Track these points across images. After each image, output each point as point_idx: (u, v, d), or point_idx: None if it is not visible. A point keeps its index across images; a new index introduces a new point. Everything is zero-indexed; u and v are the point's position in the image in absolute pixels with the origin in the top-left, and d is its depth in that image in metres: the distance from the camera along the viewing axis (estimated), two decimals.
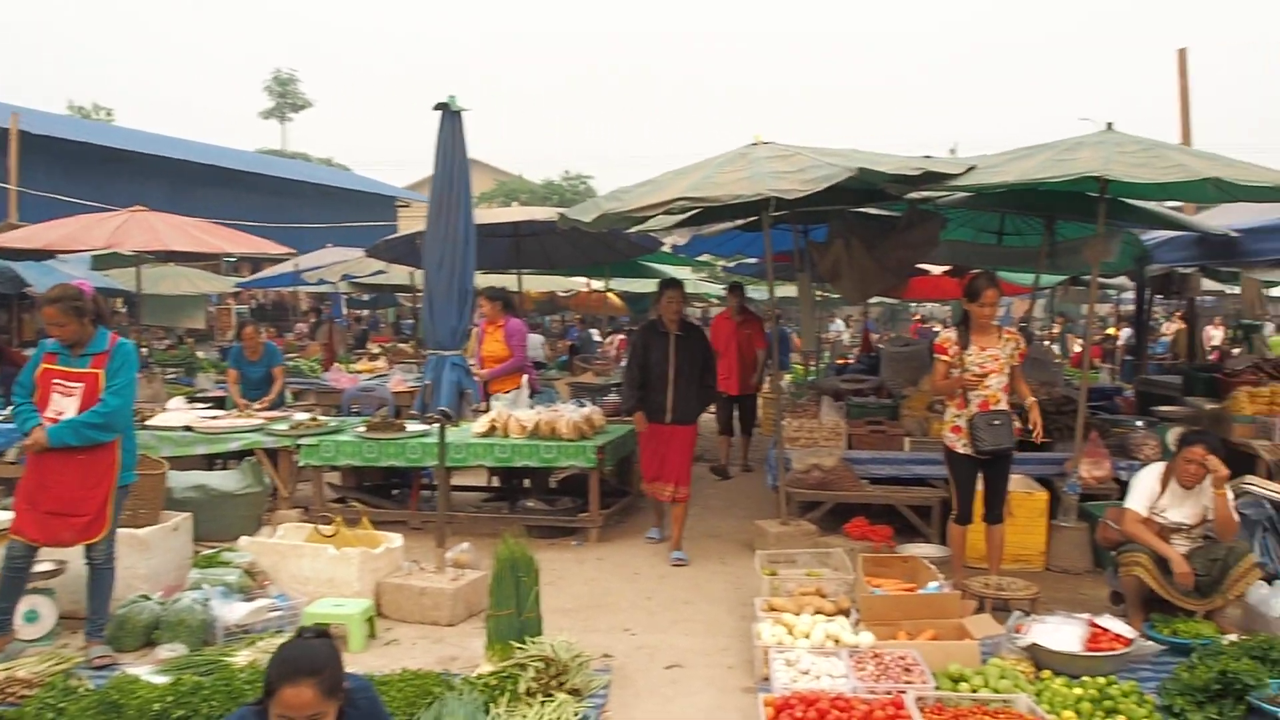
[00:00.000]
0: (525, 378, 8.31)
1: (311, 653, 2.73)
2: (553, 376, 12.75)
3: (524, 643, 4.56)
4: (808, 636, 4.79)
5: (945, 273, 12.66)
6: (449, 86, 9.73)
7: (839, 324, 25.80)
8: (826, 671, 4.40)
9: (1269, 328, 17.66)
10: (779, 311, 10.10)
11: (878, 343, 16.72)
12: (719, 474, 9.96)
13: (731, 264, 15.54)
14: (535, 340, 17.16)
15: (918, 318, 28.76)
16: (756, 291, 17.19)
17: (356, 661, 4.94)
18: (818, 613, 5.06)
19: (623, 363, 10.58)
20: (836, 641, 4.74)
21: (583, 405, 7.78)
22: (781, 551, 6.20)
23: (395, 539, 6.05)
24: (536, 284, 18.36)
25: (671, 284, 7.21)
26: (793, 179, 5.91)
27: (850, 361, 15.31)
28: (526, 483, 8.48)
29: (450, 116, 5.70)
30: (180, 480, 7.10)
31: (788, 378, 12.71)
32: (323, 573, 5.66)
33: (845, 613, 5.13)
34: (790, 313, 19.80)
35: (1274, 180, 6.26)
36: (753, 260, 13.12)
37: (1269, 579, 5.74)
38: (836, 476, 7.26)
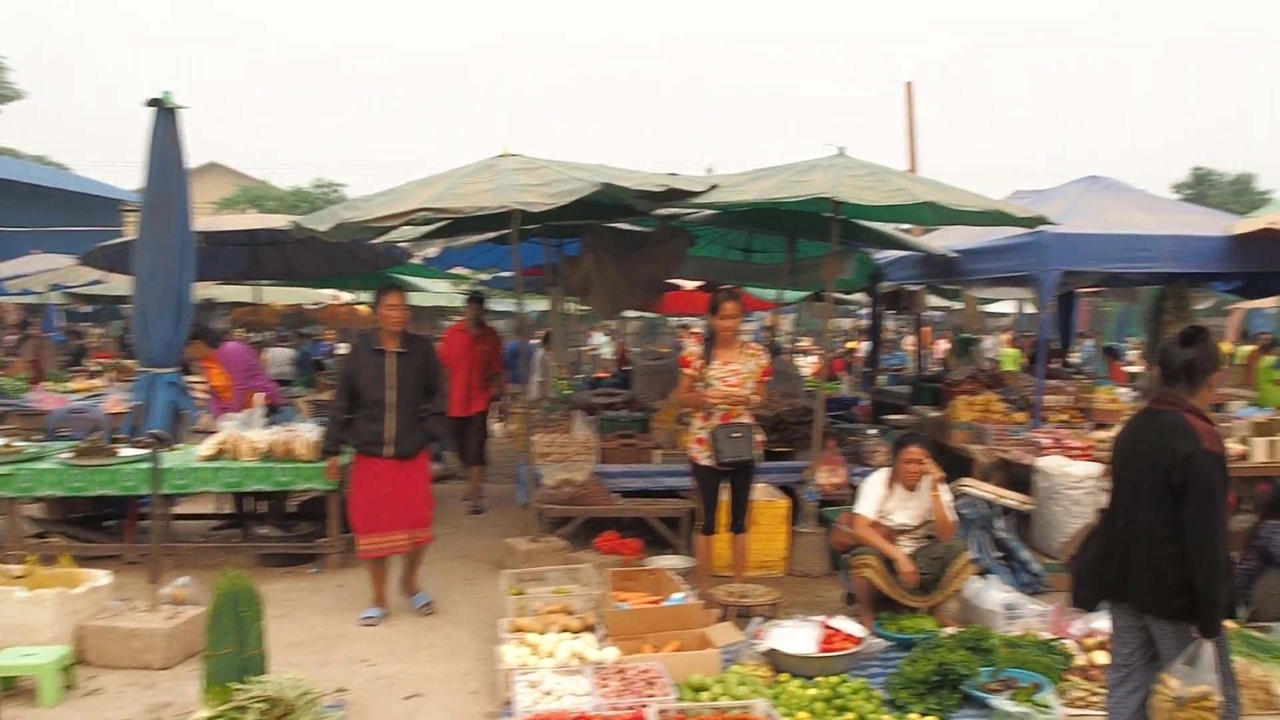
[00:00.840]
0: (260, 395, 7.82)
1: None
2: (295, 394, 12.12)
3: (245, 683, 4.26)
4: (552, 656, 4.75)
5: (699, 288, 13.08)
6: (177, 81, 8.99)
7: (600, 338, 26.12)
8: (570, 691, 4.37)
9: (988, 341, 19.35)
10: (530, 324, 9.93)
11: (638, 357, 17.05)
12: (476, 510, 9.27)
13: (488, 277, 15.40)
14: (284, 355, 16.30)
15: (696, 331, 29.50)
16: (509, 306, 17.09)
17: (49, 717, 4.46)
18: (564, 631, 5.04)
19: None
20: (581, 659, 4.72)
21: (324, 424, 7.41)
22: (531, 569, 6.13)
23: (101, 576, 5.51)
24: (281, 295, 17.46)
25: (390, 288, 6.17)
26: (538, 192, 5.89)
27: (609, 375, 15.51)
28: (264, 508, 7.99)
29: (164, 114, 5.29)
30: None
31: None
32: (10, 619, 5.05)
33: (591, 629, 5.13)
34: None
35: (982, 205, 6.86)
36: (509, 273, 13.05)
37: (983, 573, 6.27)
38: (588, 491, 7.30)
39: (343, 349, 18.34)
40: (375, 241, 9.07)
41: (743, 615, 5.75)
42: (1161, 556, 3.53)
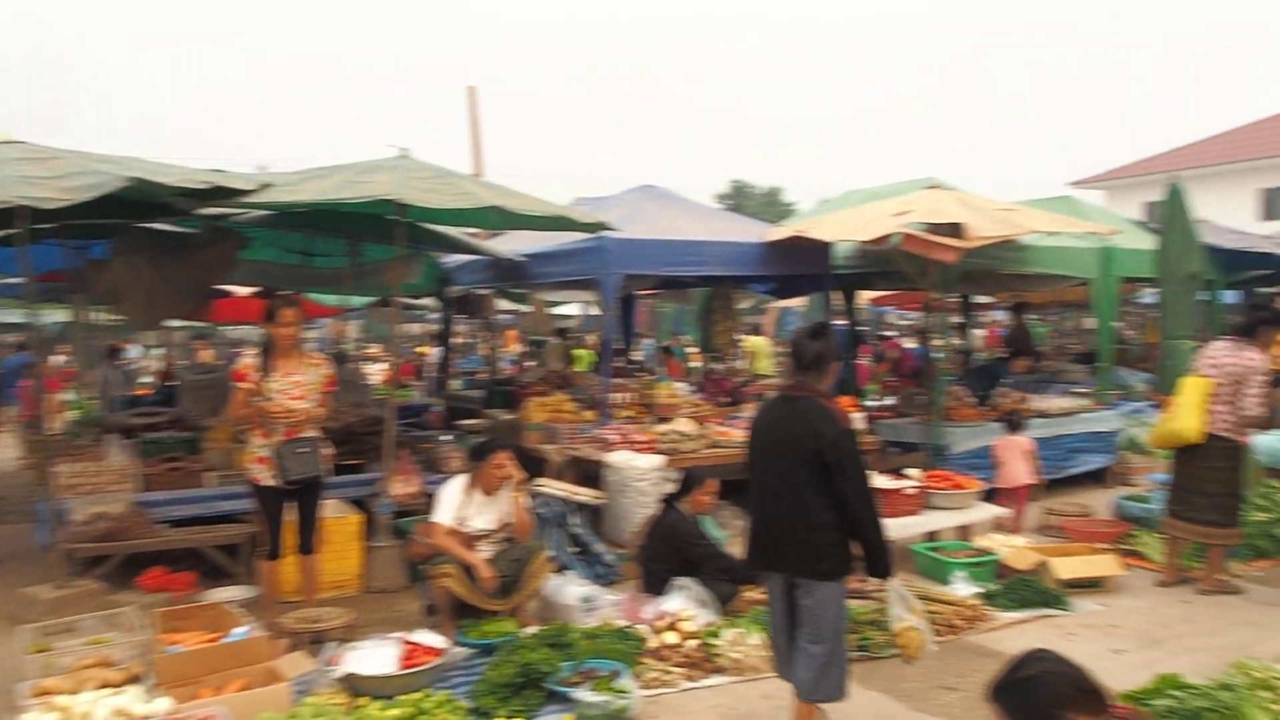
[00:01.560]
0: None
1: None
2: None
3: None
4: (90, 717, 4.25)
5: (253, 294, 12.40)
6: None
7: (137, 350, 23.79)
8: None
9: (554, 342, 20.25)
10: (49, 338, 8.80)
11: (184, 370, 15.77)
12: None
13: None
14: None
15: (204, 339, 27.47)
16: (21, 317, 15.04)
17: None
18: (104, 686, 4.53)
19: None
20: (127, 716, 4.27)
21: None
22: (58, 620, 5.45)
23: None
24: None
25: None
26: (51, 186, 5.26)
27: (150, 393, 14.23)
28: None
29: None
30: None
31: (74, 413, 11.35)
32: None
33: (139, 679, 4.67)
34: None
35: (547, 210, 7.20)
36: (18, 280, 11.50)
37: (560, 570, 6.56)
38: (127, 524, 6.64)
39: None
40: None
41: (316, 641, 5.53)
42: (816, 525, 4.11)
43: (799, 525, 4.15)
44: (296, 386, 5.76)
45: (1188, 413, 6.52)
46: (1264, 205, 30.90)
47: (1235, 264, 11.51)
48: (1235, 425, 6.46)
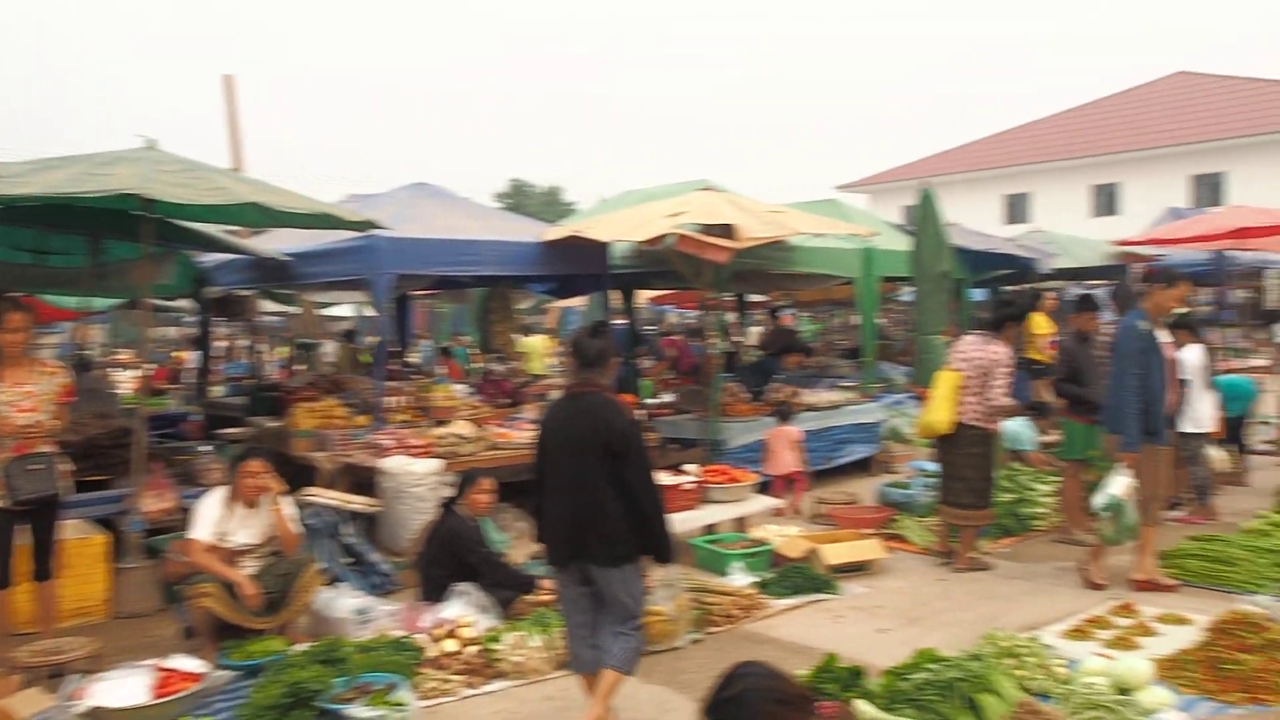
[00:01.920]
0: None
1: None
2: None
3: None
4: None
5: None
6: None
7: None
8: None
9: (328, 345, 19.58)
10: None
11: None
12: None
13: None
14: None
15: None
16: None
17: None
18: None
19: None
20: None
21: None
22: None
23: None
24: None
25: None
26: None
27: None
28: None
29: None
30: None
31: None
32: None
33: None
34: None
35: (310, 208, 6.93)
36: None
37: (333, 582, 6.35)
38: None
39: None
40: None
41: (55, 675, 5.13)
42: (610, 514, 4.26)
43: (594, 516, 4.29)
44: (27, 398, 5.37)
45: (939, 405, 7.05)
46: (1007, 210, 33.77)
47: (982, 264, 12.51)
48: (984, 414, 7.02)
